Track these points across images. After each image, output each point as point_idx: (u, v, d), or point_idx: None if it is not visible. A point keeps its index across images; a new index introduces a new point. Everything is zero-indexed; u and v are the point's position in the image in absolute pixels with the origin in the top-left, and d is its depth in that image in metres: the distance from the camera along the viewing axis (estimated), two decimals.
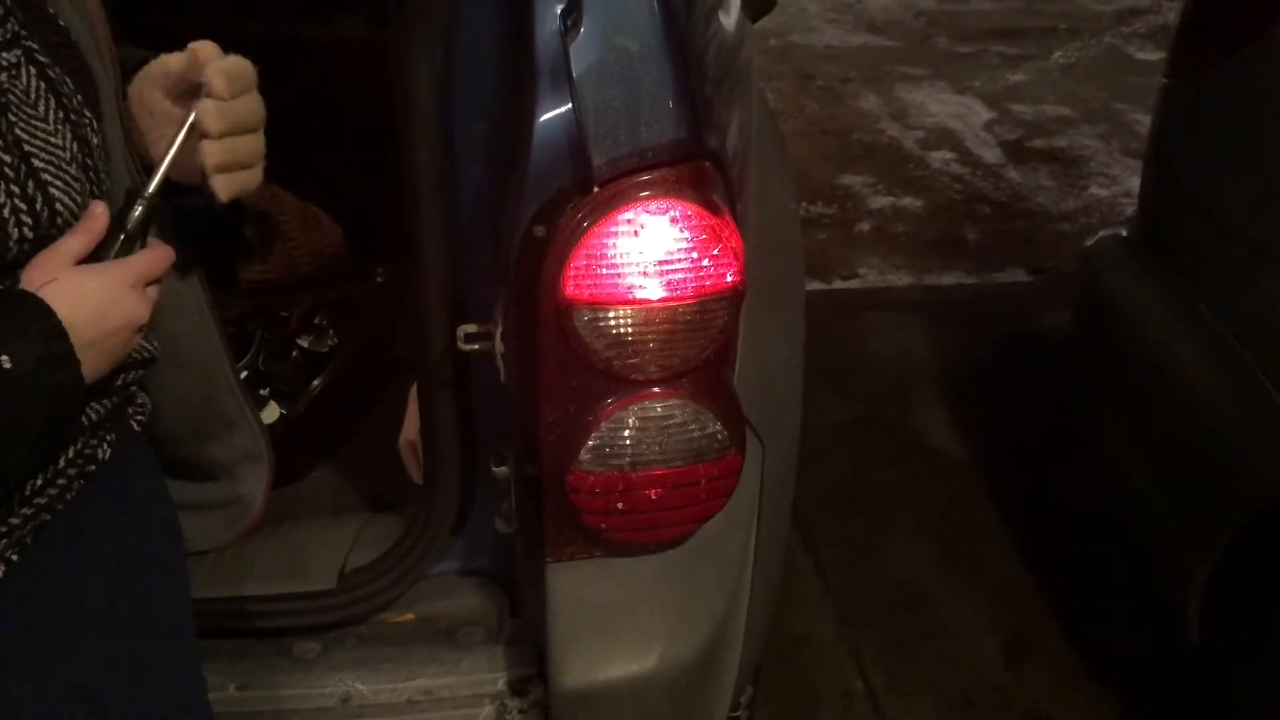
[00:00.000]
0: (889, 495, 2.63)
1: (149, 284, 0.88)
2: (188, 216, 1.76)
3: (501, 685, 1.23)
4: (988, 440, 2.81)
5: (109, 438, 0.93)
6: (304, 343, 1.65)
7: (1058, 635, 2.23)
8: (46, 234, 0.83)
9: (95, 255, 0.85)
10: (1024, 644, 2.21)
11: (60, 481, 0.88)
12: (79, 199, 0.85)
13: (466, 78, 1.07)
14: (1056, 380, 2.61)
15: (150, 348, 0.96)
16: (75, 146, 0.86)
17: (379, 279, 1.73)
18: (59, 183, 0.83)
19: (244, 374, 1.61)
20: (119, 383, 0.92)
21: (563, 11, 0.96)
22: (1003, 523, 2.54)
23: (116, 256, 0.87)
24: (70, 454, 0.88)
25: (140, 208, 0.89)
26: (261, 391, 1.58)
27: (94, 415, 0.89)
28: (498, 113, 1.06)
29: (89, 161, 0.88)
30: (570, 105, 0.96)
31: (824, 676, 2.14)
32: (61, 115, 0.85)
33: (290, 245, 1.86)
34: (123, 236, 0.88)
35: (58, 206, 0.83)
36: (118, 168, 1.04)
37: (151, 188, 0.91)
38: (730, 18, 1.50)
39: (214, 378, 1.19)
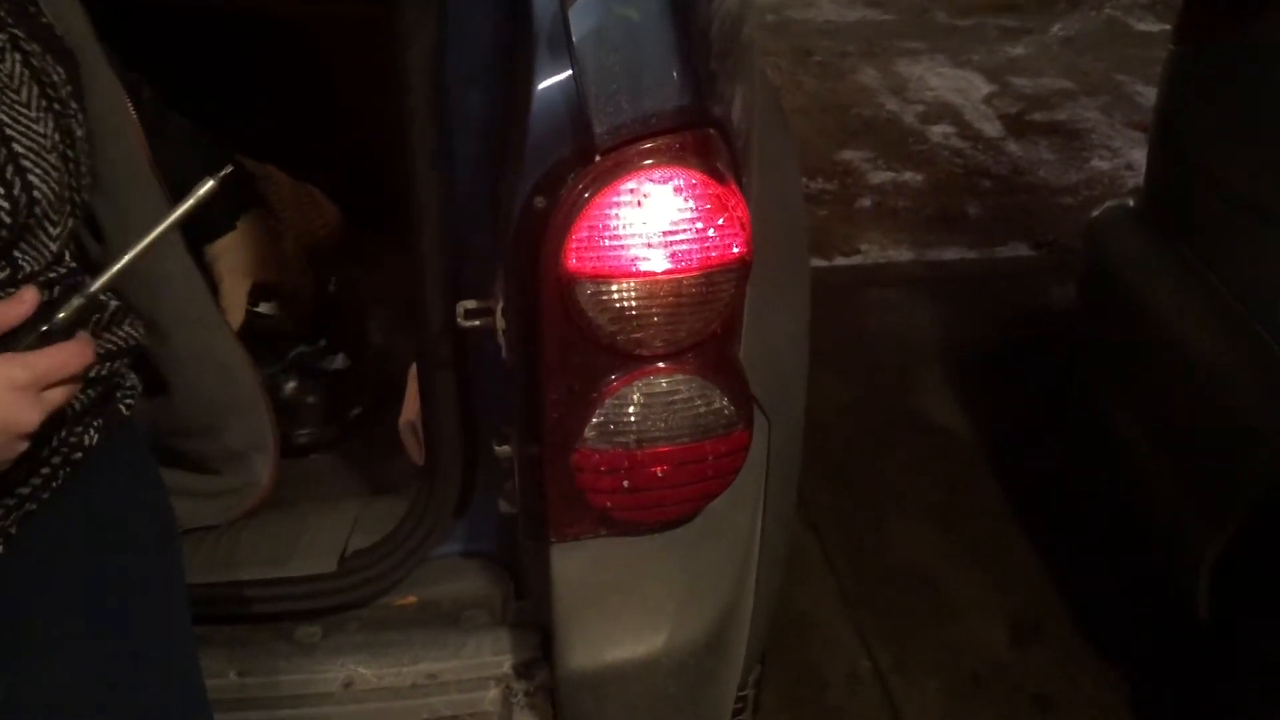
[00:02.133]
0: (892, 474, 2.61)
1: (51, 386, 0.78)
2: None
3: (507, 668, 1.21)
4: (992, 417, 2.79)
5: (95, 423, 0.91)
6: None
7: (1065, 614, 2.21)
8: (24, 222, 0.80)
9: (5, 341, 0.77)
10: (1031, 623, 2.20)
11: (44, 471, 0.85)
12: (56, 188, 0.82)
13: (462, 48, 1.04)
14: (1061, 355, 2.60)
15: (135, 334, 0.93)
16: (57, 136, 0.83)
17: (331, 289, 1.69)
18: (38, 170, 0.81)
19: None
20: (103, 372, 0.89)
21: None
22: (1008, 500, 2.52)
23: (28, 349, 0.77)
24: (54, 443, 0.86)
25: (76, 304, 0.79)
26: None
27: (76, 405, 0.87)
28: (495, 83, 1.03)
29: (70, 153, 0.85)
30: (569, 73, 0.93)
31: (830, 657, 2.13)
32: (44, 103, 0.83)
33: (284, 225, 1.83)
34: (44, 329, 0.78)
35: (35, 194, 0.80)
36: (122, 173, 1.05)
37: (95, 286, 0.81)
38: None
39: (230, 367, 1.19)
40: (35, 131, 0.81)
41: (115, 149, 1.07)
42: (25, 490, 0.84)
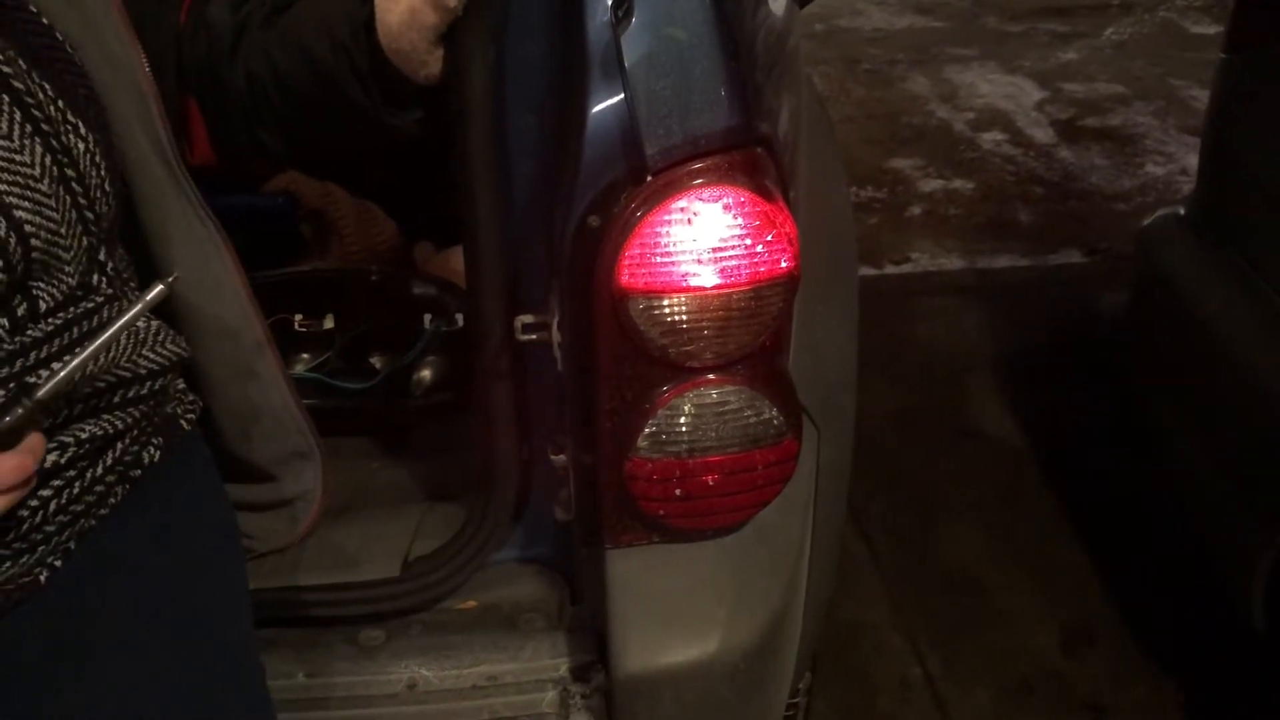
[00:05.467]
0: (943, 482, 2.61)
1: None
2: (238, 211, 1.80)
3: (564, 671, 1.24)
4: (1044, 425, 2.78)
5: (156, 440, 0.91)
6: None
7: (1117, 622, 2.20)
8: (22, 260, 0.76)
9: None
10: (1083, 631, 2.19)
11: (99, 489, 0.85)
12: (55, 214, 0.79)
13: (518, 71, 1.08)
14: (1113, 363, 2.58)
15: (179, 350, 0.92)
16: (48, 159, 0.79)
17: (374, 278, 1.71)
18: (26, 203, 0.77)
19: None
20: (144, 391, 0.88)
21: (613, 3, 0.97)
22: (1059, 508, 2.51)
23: None
24: (109, 461, 0.86)
25: (21, 411, 0.74)
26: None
27: (126, 421, 0.86)
28: (549, 106, 1.07)
29: (70, 171, 0.81)
30: (622, 96, 0.97)
31: (881, 664, 2.14)
32: (30, 128, 0.79)
33: (346, 241, 1.89)
34: None
35: (27, 229, 0.76)
36: (142, 165, 1.01)
37: (42, 392, 0.75)
38: (778, 3, 1.50)
39: (258, 375, 1.17)
40: (18, 161, 0.77)
41: (135, 149, 1.03)
42: (79, 508, 0.84)
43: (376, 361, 1.60)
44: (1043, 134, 4.55)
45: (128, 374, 0.85)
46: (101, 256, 0.86)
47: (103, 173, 0.85)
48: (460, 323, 1.58)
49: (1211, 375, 1.88)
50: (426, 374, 1.57)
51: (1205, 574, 1.95)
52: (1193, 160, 2.18)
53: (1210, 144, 2.05)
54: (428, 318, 1.60)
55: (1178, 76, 5.01)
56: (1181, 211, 2.10)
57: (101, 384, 0.83)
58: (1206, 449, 1.89)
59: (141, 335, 0.87)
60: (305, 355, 1.60)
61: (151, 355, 0.87)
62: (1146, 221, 2.20)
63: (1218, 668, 2.07)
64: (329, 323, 1.62)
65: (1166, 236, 2.09)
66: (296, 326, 1.61)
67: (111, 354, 0.83)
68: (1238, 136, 1.94)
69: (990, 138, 4.52)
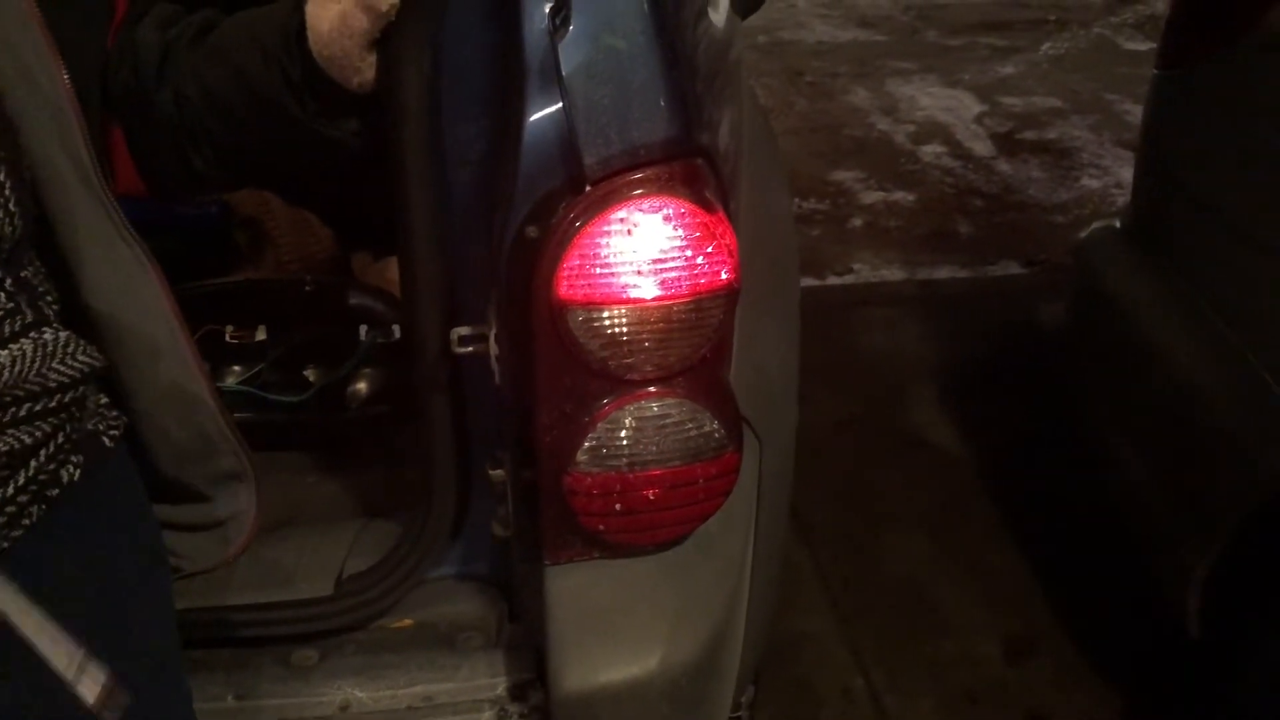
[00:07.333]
0: (886, 492, 2.62)
1: None
2: (171, 219, 1.75)
3: (501, 690, 1.22)
4: (985, 435, 2.81)
5: (75, 459, 0.88)
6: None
7: (1059, 631, 2.23)
8: None
9: None
10: (1025, 640, 2.21)
11: (10, 509, 0.82)
12: None
13: (455, 79, 1.06)
14: (1052, 373, 2.62)
15: (91, 360, 0.88)
16: None
17: (308, 288, 1.68)
18: None
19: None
20: (53, 404, 0.85)
21: (551, 10, 0.95)
22: (1001, 518, 2.53)
23: None
24: (21, 480, 0.83)
25: None
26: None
27: (36, 436, 0.83)
28: (487, 114, 1.05)
29: None
30: (560, 105, 0.95)
31: (824, 675, 2.14)
32: None
33: (280, 250, 1.85)
34: None
35: None
36: (59, 185, 0.98)
37: None
38: (720, 15, 1.49)
39: (186, 395, 1.14)
40: None
41: (50, 168, 0.99)
42: None
43: (310, 374, 1.57)
44: (982, 147, 4.61)
45: (36, 388, 0.82)
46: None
47: (7, 193, 0.82)
48: (397, 334, 1.55)
49: (1147, 385, 1.90)
50: (362, 386, 1.53)
51: (1144, 583, 1.98)
52: (1127, 173, 2.22)
53: (1145, 158, 2.08)
54: (364, 329, 1.57)
55: (1112, 91, 5.11)
56: (1118, 224, 2.13)
57: (8, 399, 0.79)
58: (1143, 459, 1.92)
59: (50, 347, 0.84)
60: (237, 368, 1.56)
61: (61, 368, 0.84)
62: (1084, 234, 2.23)
63: (1157, 675, 2.10)
64: (261, 334, 1.58)
65: (1104, 248, 2.12)
66: (228, 338, 1.57)
67: (18, 368, 0.79)
68: (1171, 151, 1.97)
69: (930, 150, 4.57)
